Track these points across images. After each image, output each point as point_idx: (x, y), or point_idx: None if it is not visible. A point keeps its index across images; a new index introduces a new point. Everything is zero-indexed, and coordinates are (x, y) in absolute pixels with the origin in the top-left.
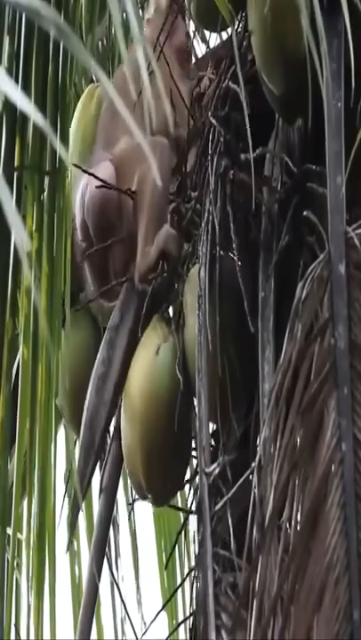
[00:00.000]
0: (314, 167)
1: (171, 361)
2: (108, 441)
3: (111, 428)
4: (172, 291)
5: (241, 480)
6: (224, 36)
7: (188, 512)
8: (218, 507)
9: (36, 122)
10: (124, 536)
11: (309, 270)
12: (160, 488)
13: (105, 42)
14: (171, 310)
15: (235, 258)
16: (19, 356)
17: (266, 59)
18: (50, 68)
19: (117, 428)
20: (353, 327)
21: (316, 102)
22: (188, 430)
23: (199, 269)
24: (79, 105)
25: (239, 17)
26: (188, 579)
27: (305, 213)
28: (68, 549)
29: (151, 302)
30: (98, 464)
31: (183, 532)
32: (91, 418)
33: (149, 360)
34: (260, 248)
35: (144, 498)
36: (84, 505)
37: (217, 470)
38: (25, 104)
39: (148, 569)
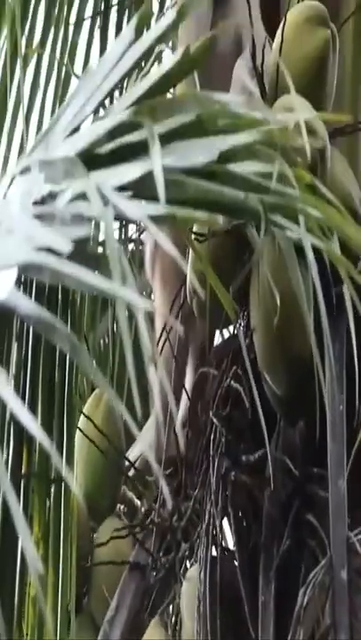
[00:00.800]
0: (315, 470)
1: None
2: None
3: None
4: (170, 590)
5: None
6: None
7: None
8: None
9: (41, 441)
10: None
11: (311, 576)
12: None
13: (107, 339)
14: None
15: (235, 560)
16: None
17: (269, 358)
18: (57, 373)
19: None
20: (355, 634)
21: (317, 403)
22: None
23: (199, 572)
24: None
25: (242, 314)
26: None
27: (306, 517)
28: None
29: (148, 599)
30: None
31: None
32: None
33: None
34: (261, 551)
35: None
36: None
37: None
38: (32, 425)
39: None
